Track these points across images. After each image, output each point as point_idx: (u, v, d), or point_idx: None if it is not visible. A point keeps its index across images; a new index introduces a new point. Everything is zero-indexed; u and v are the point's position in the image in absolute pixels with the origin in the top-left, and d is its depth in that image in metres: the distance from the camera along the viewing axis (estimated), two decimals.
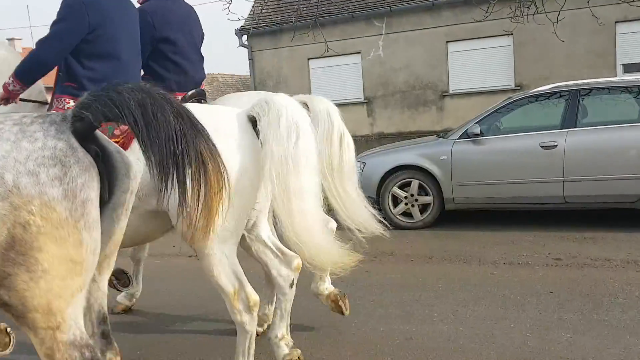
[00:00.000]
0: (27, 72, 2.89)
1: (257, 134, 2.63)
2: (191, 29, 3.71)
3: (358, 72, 14.59)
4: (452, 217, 7.29)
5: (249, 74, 16.21)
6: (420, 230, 6.92)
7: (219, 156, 1.90)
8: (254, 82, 15.59)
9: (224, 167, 1.91)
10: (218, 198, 1.86)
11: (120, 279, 3.71)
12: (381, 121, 14.42)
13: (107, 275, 2.25)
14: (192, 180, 1.81)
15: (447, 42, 13.59)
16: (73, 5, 2.86)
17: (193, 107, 2.83)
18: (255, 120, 2.65)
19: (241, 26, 14.91)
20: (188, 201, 1.82)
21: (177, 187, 1.81)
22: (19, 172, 1.69)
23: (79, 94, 2.73)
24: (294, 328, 3.85)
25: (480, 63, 13.43)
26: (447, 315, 4.00)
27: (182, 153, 1.79)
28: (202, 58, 3.90)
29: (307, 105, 3.24)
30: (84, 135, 1.82)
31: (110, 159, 1.93)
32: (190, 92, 3.65)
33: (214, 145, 1.90)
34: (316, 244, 2.55)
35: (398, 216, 7.08)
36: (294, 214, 2.50)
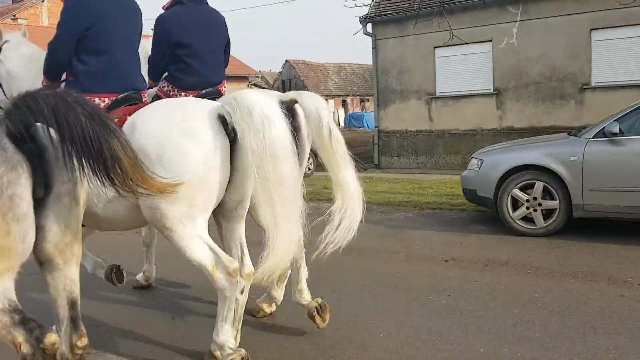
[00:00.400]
0: (50, 71, 3.31)
1: (226, 131, 2.90)
2: (207, 34, 3.86)
3: (488, 62, 13.75)
4: (581, 226, 6.52)
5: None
6: (542, 238, 6.24)
7: (131, 149, 2.16)
8: (377, 71, 15.30)
9: (137, 156, 2.19)
10: (140, 181, 2.15)
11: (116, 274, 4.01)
12: (511, 114, 13.51)
13: (73, 263, 2.48)
14: (113, 174, 2.08)
15: (591, 29, 12.34)
16: (71, 8, 3.22)
17: (170, 102, 3.20)
18: (225, 118, 2.88)
19: (365, 14, 14.68)
20: (120, 188, 2.14)
21: (105, 180, 2.09)
22: None
23: (74, 86, 3.12)
24: (388, 342, 3.59)
25: (629, 53, 12.04)
26: (562, 340, 3.51)
27: (98, 151, 2.02)
28: (220, 62, 4.04)
29: (297, 101, 3.40)
30: (17, 136, 2.06)
31: (45, 154, 2.14)
32: (204, 91, 3.83)
33: (125, 139, 2.16)
34: (287, 231, 2.77)
35: (517, 221, 6.45)
36: (274, 201, 2.74)
